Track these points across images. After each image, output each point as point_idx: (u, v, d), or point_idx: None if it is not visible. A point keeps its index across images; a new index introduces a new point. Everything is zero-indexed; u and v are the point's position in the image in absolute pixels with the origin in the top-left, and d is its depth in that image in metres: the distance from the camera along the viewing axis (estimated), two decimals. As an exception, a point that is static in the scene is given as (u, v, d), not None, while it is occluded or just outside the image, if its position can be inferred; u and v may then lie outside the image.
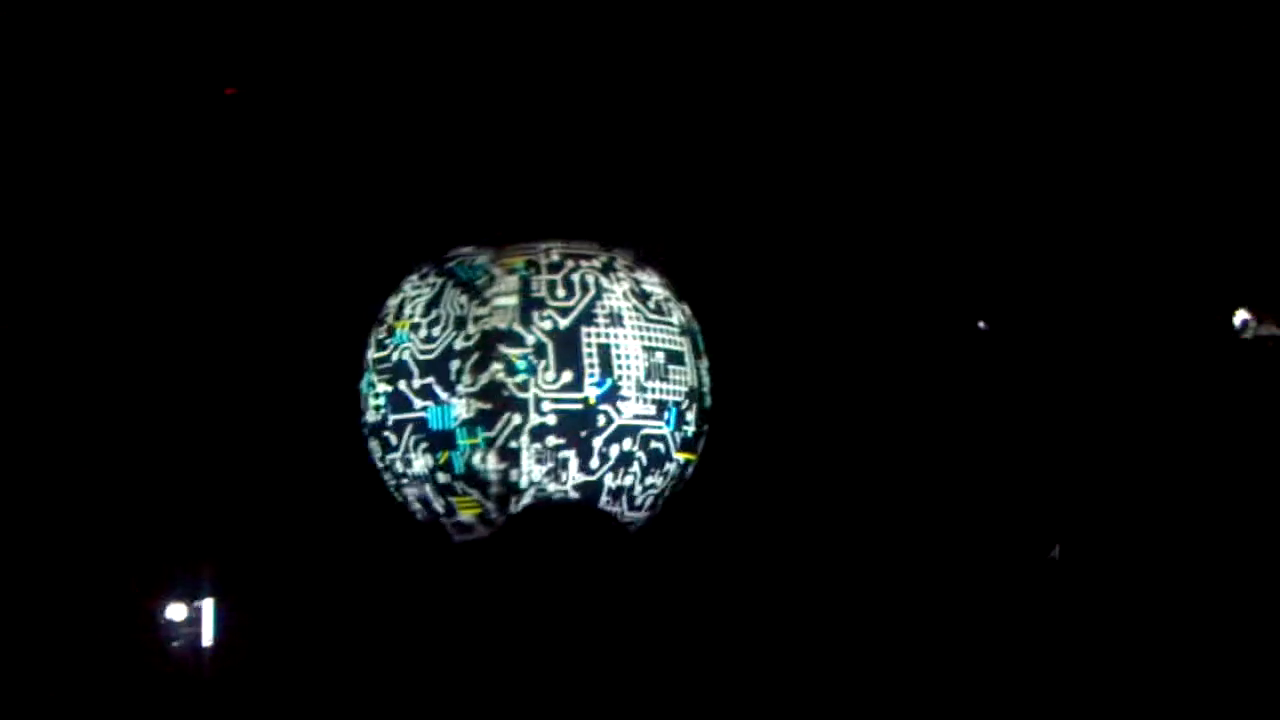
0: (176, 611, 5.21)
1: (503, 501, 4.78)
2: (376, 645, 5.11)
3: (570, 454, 4.75)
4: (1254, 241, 5.09)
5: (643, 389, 4.80)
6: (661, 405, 4.83)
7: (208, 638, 5.27)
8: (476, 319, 4.74)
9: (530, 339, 4.70)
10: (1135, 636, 4.84)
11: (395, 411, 4.84)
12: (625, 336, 4.79)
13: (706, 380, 4.97)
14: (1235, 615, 4.86)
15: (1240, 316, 5.03)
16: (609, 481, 4.79)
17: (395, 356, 4.84)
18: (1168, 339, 5.14)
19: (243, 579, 5.32)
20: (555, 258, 4.83)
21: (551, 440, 4.67)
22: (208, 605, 5.27)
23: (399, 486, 4.93)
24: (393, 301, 4.93)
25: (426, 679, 4.99)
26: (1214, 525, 4.99)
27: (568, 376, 4.74)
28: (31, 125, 4.89)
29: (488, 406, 4.65)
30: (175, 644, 5.24)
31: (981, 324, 5.19)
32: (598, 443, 4.75)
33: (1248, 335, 5.02)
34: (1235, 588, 4.91)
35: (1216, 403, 5.07)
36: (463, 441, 4.76)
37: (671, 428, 4.86)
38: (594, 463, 4.75)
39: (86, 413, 5.22)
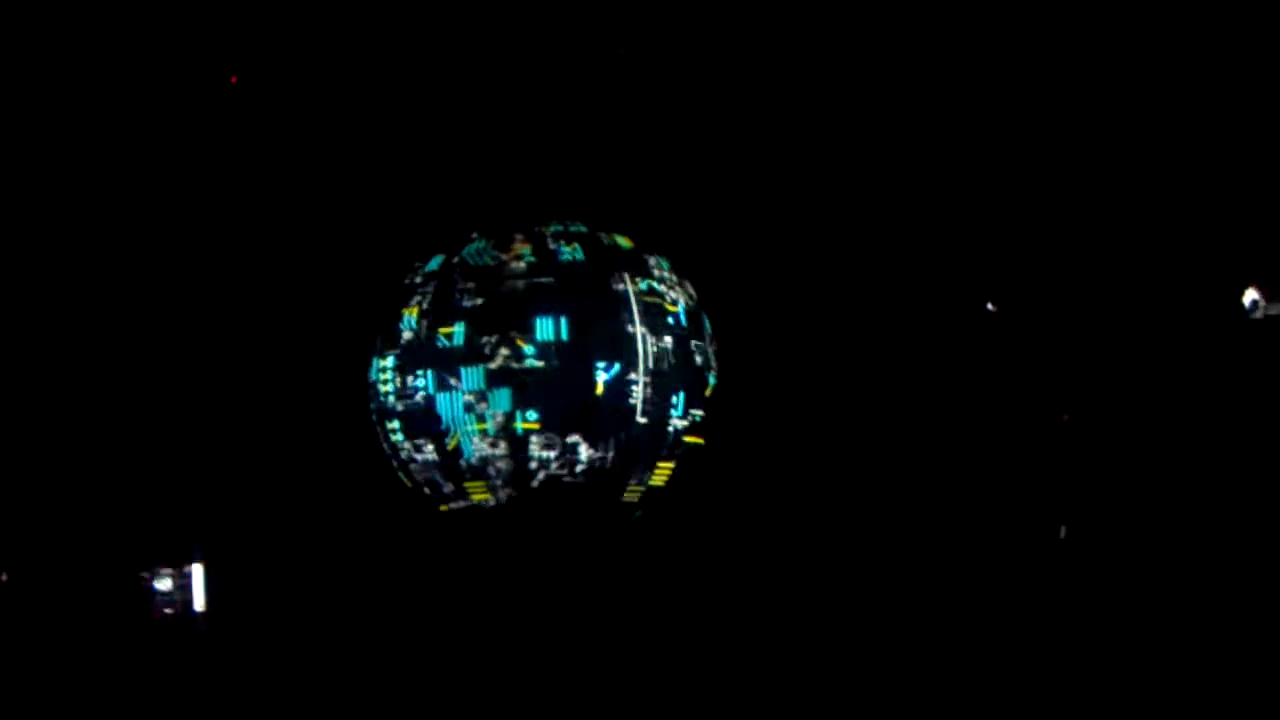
0: (165, 583, 5.28)
1: (512, 486, 4.82)
2: (370, 611, 5.18)
3: (578, 438, 4.78)
4: (1264, 223, 5.07)
5: (651, 374, 4.81)
6: (670, 390, 4.85)
7: (199, 603, 5.36)
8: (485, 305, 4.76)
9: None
10: (1143, 619, 4.86)
11: (403, 398, 4.86)
12: (634, 323, 4.80)
13: (714, 364, 4.98)
14: (1243, 590, 4.87)
15: (1250, 296, 5.02)
16: (616, 464, 4.82)
17: (404, 343, 4.85)
18: (1178, 318, 5.12)
19: (234, 545, 5.38)
20: (563, 244, 4.85)
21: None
22: (197, 571, 5.36)
23: (408, 470, 4.95)
24: (403, 287, 4.95)
25: (418, 645, 5.06)
26: (1224, 502, 5.00)
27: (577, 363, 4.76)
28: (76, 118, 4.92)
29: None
30: (167, 611, 5.32)
31: (990, 305, 5.18)
32: (606, 427, 4.77)
33: (1258, 315, 5.01)
34: (1244, 566, 4.92)
35: (1226, 380, 5.07)
36: (471, 427, 4.78)
37: (679, 413, 4.87)
38: (602, 448, 4.77)
39: (88, 393, 5.26)
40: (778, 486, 5.23)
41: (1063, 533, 5.03)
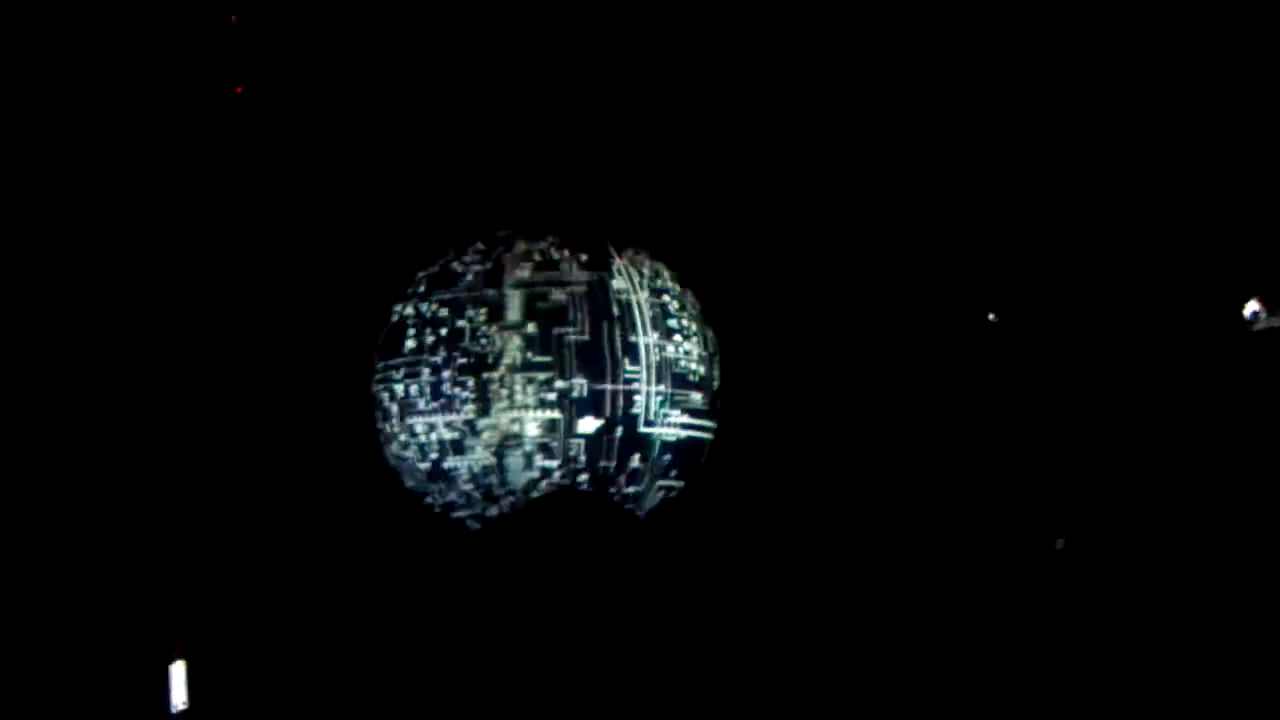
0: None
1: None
2: (384, 611, 5.18)
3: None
4: (1264, 233, 5.08)
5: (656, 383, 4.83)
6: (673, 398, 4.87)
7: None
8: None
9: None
10: (1137, 632, 4.90)
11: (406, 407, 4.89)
12: (638, 332, 4.81)
13: (718, 374, 5.01)
14: (1236, 608, 4.91)
15: (1251, 308, 5.02)
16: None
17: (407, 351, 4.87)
18: (1178, 330, 5.13)
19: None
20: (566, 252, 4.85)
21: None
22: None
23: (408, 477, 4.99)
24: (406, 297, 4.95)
25: (432, 659, 5.07)
26: (1221, 514, 5.02)
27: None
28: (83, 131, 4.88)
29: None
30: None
31: (991, 315, 5.19)
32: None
33: (1258, 326, 5.02)
34: (1238, 578, 4.96)
35: (1226, 393, 5.08)
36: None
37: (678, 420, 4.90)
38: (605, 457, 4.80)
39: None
40: (781, 493, 5.26)
41: (1060, 544, 5.06)
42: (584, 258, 4.84)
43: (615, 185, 5.22)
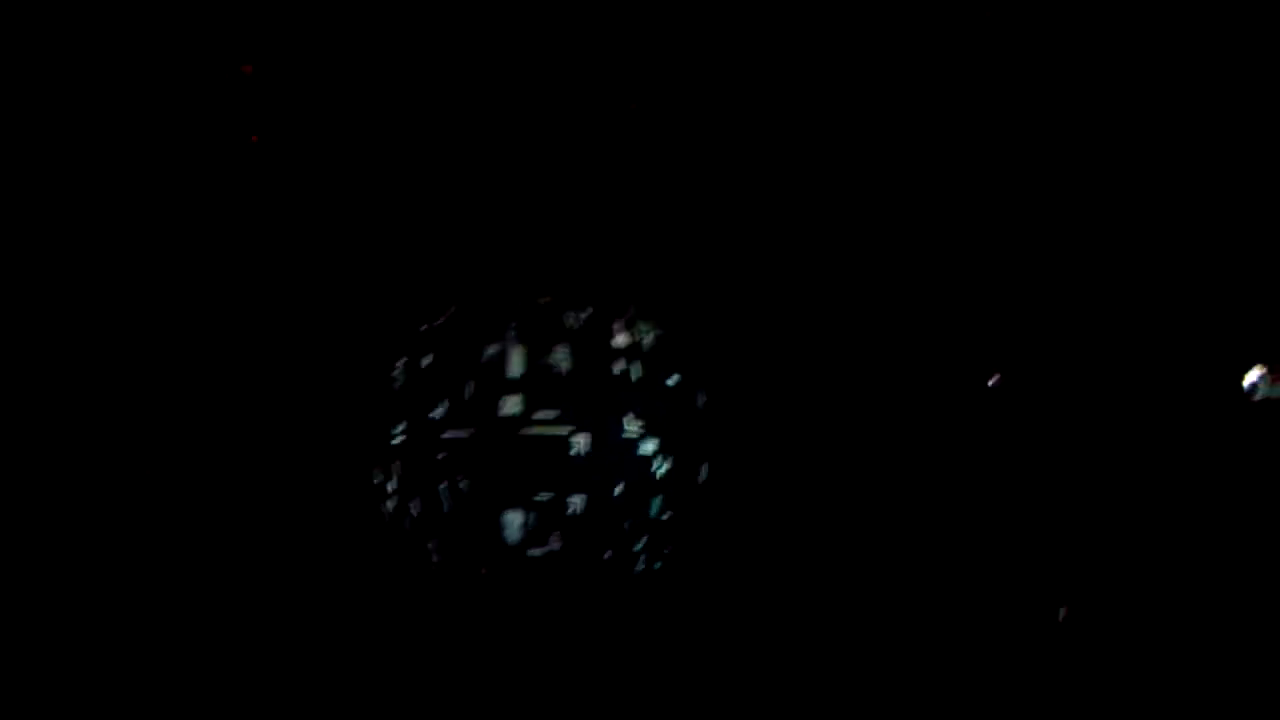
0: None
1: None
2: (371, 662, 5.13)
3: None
4: (1265, 301, 5.08)
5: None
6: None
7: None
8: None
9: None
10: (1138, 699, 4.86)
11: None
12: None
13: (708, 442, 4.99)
14: (1232, 679, 4.88)
15: (1251, 377, 5.01)
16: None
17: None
18: (1178, 399, 5.12)
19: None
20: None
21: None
22: None
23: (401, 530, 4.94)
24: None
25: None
26: (1220, 588, 5.00)
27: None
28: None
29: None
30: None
31: (991, 381, 5.17)
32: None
33: (1258, 397, 5.00)
34: (1235, 654, 4.93)
35: (1227, 466, 5.07)
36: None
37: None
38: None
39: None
40: (776, 560, 5.23)
41: (1062, 615, 5.02)
42: (585, 314, 4.84)
43: (615, 244, 5.23)
